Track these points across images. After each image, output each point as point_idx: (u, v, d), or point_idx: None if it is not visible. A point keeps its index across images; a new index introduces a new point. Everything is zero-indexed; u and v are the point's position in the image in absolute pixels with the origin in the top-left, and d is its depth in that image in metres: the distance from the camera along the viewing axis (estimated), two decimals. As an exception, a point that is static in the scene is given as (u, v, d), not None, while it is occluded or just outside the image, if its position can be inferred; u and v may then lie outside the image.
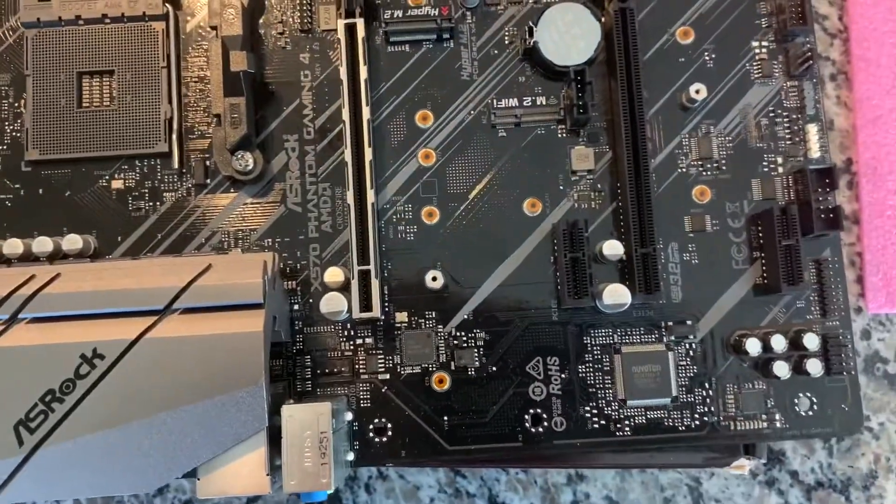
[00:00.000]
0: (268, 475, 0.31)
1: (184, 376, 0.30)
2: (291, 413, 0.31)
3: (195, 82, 0.37)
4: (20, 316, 0.30)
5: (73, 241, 0.35)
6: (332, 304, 0.34)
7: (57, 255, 0.35)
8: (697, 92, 0.36)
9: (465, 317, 0.36)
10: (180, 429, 0.30)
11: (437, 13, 0.36)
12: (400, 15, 0.36)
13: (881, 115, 0.39)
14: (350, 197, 0.35)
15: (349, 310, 0.34)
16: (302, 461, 0.30)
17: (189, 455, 0.30)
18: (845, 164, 0.40)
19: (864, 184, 0.39)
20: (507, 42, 0.37)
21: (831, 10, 0.42)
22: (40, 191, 0.36)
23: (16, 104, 0.37)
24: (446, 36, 0.37)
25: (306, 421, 0.31)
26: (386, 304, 0.36)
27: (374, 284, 0.34)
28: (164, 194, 0.36)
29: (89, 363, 0.30)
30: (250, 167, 0.36)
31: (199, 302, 0.31)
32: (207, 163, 0.36)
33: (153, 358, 0.30)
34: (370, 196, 0.35)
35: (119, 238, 0.36)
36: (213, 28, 0.36)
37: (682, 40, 0.38)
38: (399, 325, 0.36)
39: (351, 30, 0.35)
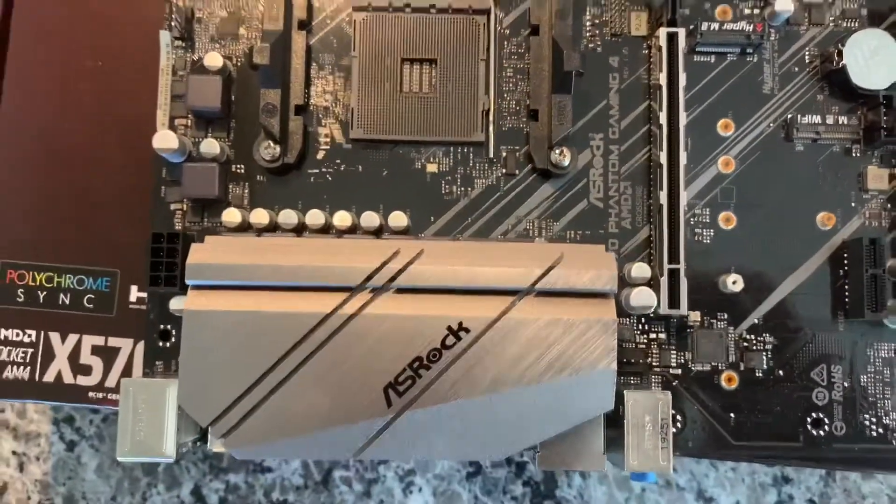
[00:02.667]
0: (603, 454, 0.33)
1: (540, 354, 0.32)
2: (634, 398, 0.33)
3: (508, 76, 0.39)
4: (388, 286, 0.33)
5: (398, 218, 0.37)
6: (643, 298, 0.36)
7: (381, 231, 0.37)
8: None
9: (756, 321, 0.38)
10: (532, 404, 0.32)
11: (751, 29, 0.38)
12: (716, 28, 0.38)
13: None
14: (664, 197, 0.37)
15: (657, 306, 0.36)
16: (642, 443, 0.32)
17: (538, 429, 0.32)
18: None
19: None
20: (807, 61, 0.39)
21: None
22: (360, 168, 0.39)
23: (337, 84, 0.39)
24: (750, 51, 0.39)
25: (648, 406, 0.33)
26: (682, 302, 0.37)
27: (683, 283, 0.36)
28: (476, 181, 0.38)
29: (455, 335, 0.32)
30: (566, 163, 0.38)
31: (554, 287, 0.33)
32: (517, 154, 0.38)
33: (512, 335, 0.32)
34: (683, 198, 0.37)
35: (431, 218, 0.38)
36: (533, 26, 0.38)
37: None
38: (692, 323, 0.38)
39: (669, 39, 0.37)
